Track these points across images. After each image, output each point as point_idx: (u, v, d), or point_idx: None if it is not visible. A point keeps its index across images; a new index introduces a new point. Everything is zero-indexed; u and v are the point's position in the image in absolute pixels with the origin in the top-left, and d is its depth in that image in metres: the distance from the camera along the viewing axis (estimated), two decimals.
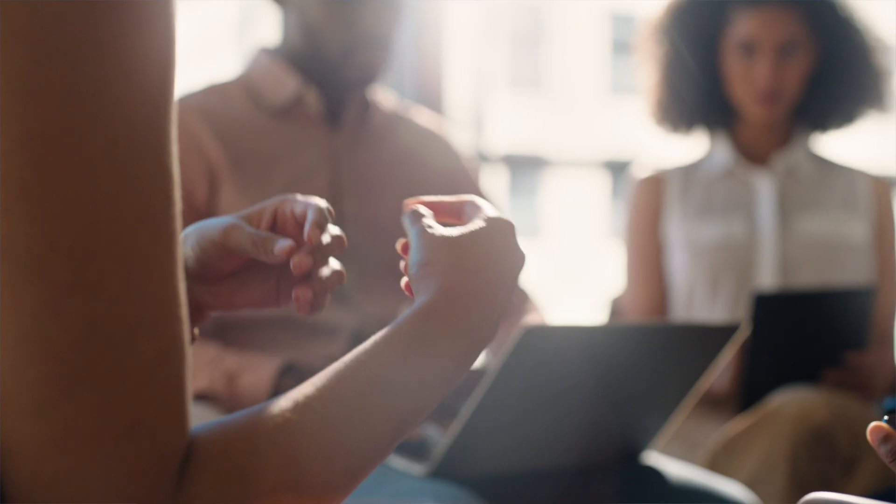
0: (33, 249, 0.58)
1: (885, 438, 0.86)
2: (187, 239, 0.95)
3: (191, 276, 0.96)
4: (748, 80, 2.27)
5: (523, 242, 0.87)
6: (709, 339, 1.50)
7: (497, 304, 0.83)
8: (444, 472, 1.42)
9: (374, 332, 0.88)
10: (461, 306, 0.80)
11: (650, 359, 1.46)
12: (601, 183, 16.49)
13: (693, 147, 2.46)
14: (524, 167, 14.98)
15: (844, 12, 2.31)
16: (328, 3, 1.80)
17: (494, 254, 0.84)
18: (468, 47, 3.08)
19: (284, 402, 0.71)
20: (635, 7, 16.69)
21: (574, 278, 14.26)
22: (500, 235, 0.85)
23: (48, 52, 0.57)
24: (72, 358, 0.59)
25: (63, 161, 0.58)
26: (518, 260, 0.86)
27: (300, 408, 0.70)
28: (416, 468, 1.45)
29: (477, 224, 0.86)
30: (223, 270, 0.95)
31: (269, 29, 1.97)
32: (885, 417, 0.87)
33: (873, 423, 0.86)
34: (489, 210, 0.88)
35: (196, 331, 1.01)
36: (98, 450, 0.60)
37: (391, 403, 0.75)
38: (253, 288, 0.97)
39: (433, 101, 2.77)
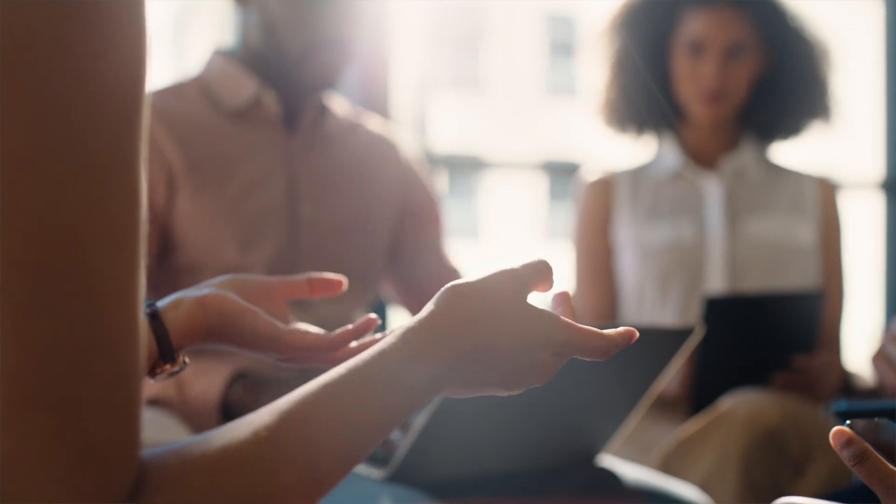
0: None
1: (848, 443, 0.87)
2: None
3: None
4: (694, 79, 2.29)
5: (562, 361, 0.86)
6: (664, 342, 1.50)
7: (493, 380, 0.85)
8: (403, 476, 1.41)
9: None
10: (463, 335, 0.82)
11: (605, 362, 1.47)
12: (539, 184, 16.52)
13: (634, 148, 2.47)
14: (462, 168, 14.96)
15: (794, 22, 2.33)
16: (291, 2, 1.79)
17: (526, 358, 0.85)
18: (408, 48, 3.07)
19: (246, 428, 0.69)
20: (572, 9, 16.77)
21: None
22: (553, 359, 0.87)
23: (19, 68, 0.56)
24: (28, 378, 0.57)
25: (30, 179, 0.57)
26: (540, 377, 0.87)
27: (264, 439, 0.69)
28: (375, 472, 1.45)
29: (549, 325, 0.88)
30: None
31: (208, 29, 1.97)
32: (847, 422, 0.88)
33: (836, 428, 0.87)
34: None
35: (186, 359, 1.02)
36: (49, 473, 0.58)
37: (358, 438, 0.76)
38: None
39: (377, 103, 2.76)
